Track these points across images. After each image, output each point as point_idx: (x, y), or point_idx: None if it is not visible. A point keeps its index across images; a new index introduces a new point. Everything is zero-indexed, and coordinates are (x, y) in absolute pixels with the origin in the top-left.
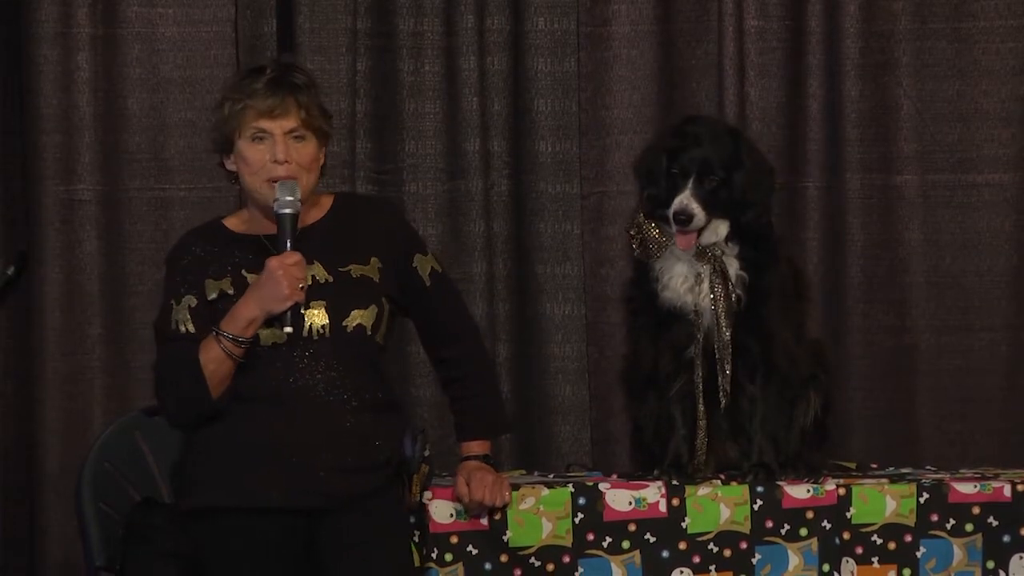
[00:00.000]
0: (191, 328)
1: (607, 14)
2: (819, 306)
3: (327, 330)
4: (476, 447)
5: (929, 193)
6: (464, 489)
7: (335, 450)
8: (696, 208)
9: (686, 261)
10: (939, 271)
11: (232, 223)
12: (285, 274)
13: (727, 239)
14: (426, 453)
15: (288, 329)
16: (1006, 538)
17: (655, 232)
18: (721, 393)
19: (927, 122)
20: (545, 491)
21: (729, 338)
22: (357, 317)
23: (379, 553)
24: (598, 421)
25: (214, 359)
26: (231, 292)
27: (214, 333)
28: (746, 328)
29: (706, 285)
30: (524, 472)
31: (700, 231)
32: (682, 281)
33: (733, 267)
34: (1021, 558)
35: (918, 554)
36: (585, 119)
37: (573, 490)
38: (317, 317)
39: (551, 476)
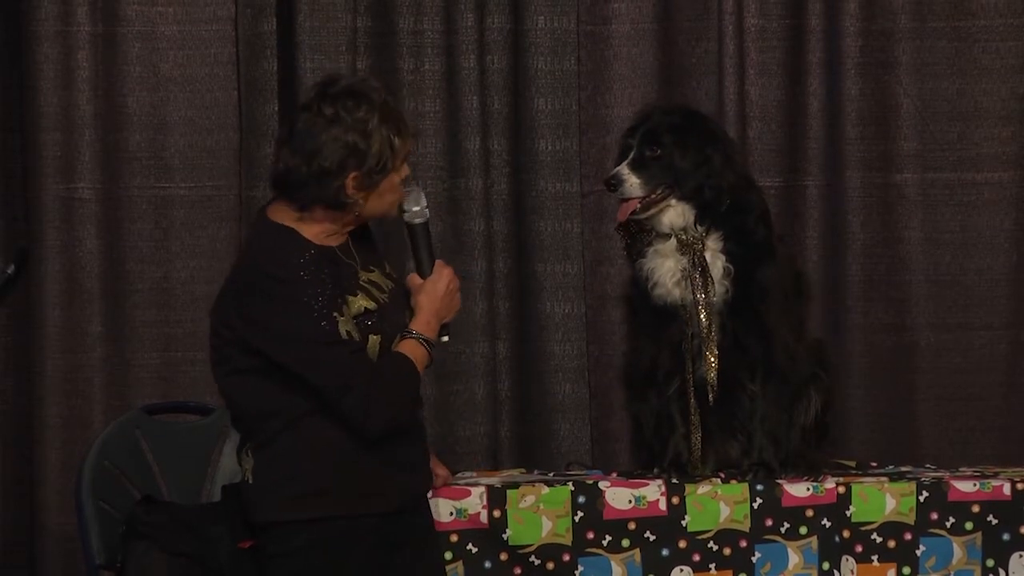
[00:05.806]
0: (358, 337)
1: (607, 12)
2: (819, 304)
3: None
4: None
5: (929, 191)
6: None
7: (426, 451)
8: (626, 174)
9: (672, 257)
10: (939, 269)
11: (316, 238)
12: (458, 287)
13: (697, 223)
14: None
15: (445, 338)
16: (1006, 536)
17: (635, 229)
18: (708, 386)
19: (927, 120)
20: (545, 489)
21: (708, 328)
22: None
23: (438, 549)
24: (598, 419)
25: (421, 361)
26: (373, 307)
27: (419, 339)
28: (745, 326)
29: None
30: (524, 470)
31: (646, 205)
32: (671, 277)
33: (720, 260)
34: (1021, 556)
35: (918, 552)
36: (585, 117)
37: (573, 488)
38: None
39: (551, 474)
